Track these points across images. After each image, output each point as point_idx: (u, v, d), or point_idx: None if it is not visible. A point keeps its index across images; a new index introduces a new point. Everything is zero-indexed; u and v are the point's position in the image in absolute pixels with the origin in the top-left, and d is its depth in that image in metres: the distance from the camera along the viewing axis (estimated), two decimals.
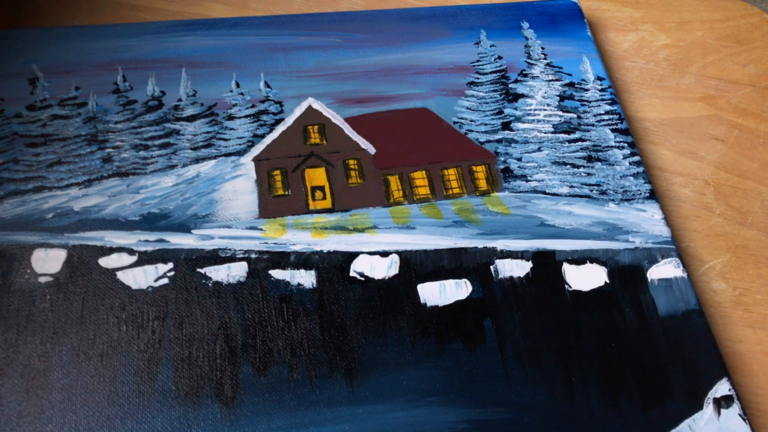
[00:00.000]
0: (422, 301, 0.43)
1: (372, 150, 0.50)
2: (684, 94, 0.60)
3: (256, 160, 0.49)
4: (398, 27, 0.57)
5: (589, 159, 0.51)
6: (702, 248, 0.50)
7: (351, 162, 0.49)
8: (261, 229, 0.45)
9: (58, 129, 0.48)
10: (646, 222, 0.48)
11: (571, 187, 0.50)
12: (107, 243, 0.43)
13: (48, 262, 0.42)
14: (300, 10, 0.61)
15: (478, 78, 0.55)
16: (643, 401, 0.41)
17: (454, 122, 0.52)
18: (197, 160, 0.48)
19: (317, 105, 0.52)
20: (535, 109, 0.54)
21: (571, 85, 0.56)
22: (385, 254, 0.45)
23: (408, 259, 0.45)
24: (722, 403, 0.41)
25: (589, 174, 0.51)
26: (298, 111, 0.51)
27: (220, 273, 0.43)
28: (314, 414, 0.39)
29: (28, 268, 0.42)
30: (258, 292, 0.43)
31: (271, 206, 0.47)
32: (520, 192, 0.50)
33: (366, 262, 0.45)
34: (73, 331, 0.40)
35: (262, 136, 0.50)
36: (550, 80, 0.56)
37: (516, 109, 0.54)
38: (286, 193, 0.47)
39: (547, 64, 0.57)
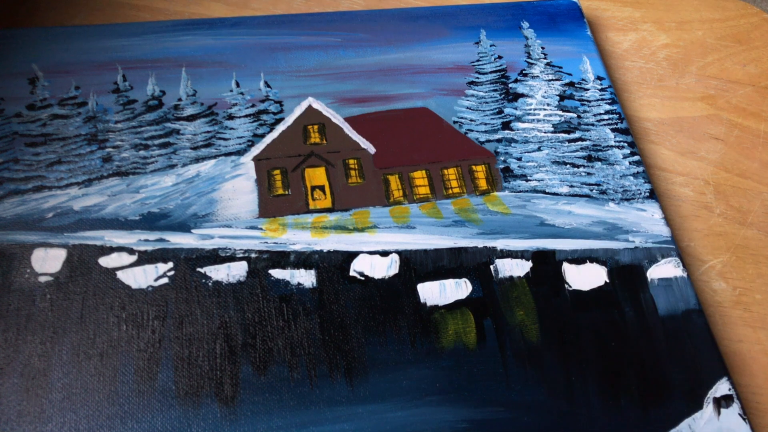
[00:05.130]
0: (422, 300, 0.43)
1: (372, 149, 0.50)
2: (684, 93, 0.60)
3: (256, 159, 0.49)
4: (398, 27, 0.57)
5: (589, 158, 0.51)
6: (702, 248, 0.50)
7: (351, 161, 0.49)
8: (261, 229, 0.45)
9: (58, 128, 0.48)
10: (646, 221, 0.48)
11: (571, 186, 0.50)
12: (107, 242, 0.43)
13: (48, 261, 0.42)
14: (300, 10, 0.61)
15: (478, 77, 0.55)
16: (642, 401, 0.41)
17: (454, 122, 0.52)
18: (197, 160, 0.48)
19: (317, 104, 0.52)
20: (535, 109, 0.54)
21: (571, 84, 0.56)
22: (385, 254, 0.45)
23: (408, 258, 0.45)
24: (722, 402, 0.41)
25: (589, 173, 0.51)
26: (298, 110, 0.51)
27: (220, 272, 0.43)
28: (314, 413, 0.39)
29: (28, 267, 0.42)
30: (258, 291, 0.43)
31: (271, 206, 0.47)
32: (520, 191, 0.50)
33: (366, 261, 0.45)
34: (73, 331, 0.40)
35: (262, 136, 0.50)
36: (550, 80, 0.56)
37: (516, 108, 0.54)
38: (286, 192, 0.47)
39: (547, 64, 0.57)
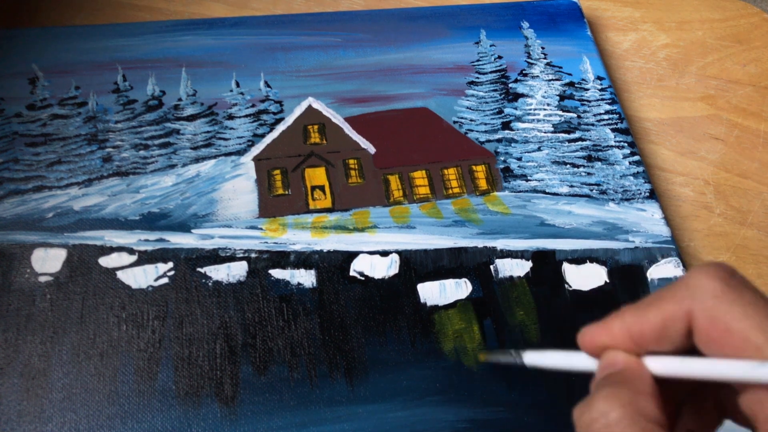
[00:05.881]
0: (422, 300, 0.43)
1: (372, 149, 0.50)
2: (684, 93, 0.60)
3: (256, 159, 0.49)
4: (398, 27, 0.57)
5: (589, 158, 0.51)
6: (702, 248, 0.50)
7: (351, 161, 0.49)
8: (261, 229, 0.45)
9: (58, 128, 0.48)
10: (646, 221, 0.48)
11: (571, 186, 0.50)
12: (107, 242, 0.43)
13: (48, 261, 0.42)
14: (300, 10, 0.61)
15: (478, 77, 0.55)
16: None
17: (454, 122, 0.52)
18: (197, 160, 0.48)
19: (317, 104, 0.52)
20: (535, 109, 0.54)
21: (571, 84, 0.56)
22: (385, 254, 0.45)
23: (408, 258, 0.45)
24: None
25: (589, 173, 0.51)
26: (298, 110, 0.51)
27: (220, 272, 0.43)
28: (314, 413, 0.39)
29: (28, 267, 0.42)
30: (258, 291, 0.43)
31: (271, 206, 0.47)
32: (520, 191, 0.50)
33: (366, 261, 0.45)
34: (73, 331, 0.40)
35: (262, 136, 0.50)
36: (550, 80, 0.56)
37: (516, 108, 0.54)
38: (286, 192, 0.47)
39: (547, 64, 0.57)
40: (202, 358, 0.40)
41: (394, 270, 0.45)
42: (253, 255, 0.44)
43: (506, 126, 0.53)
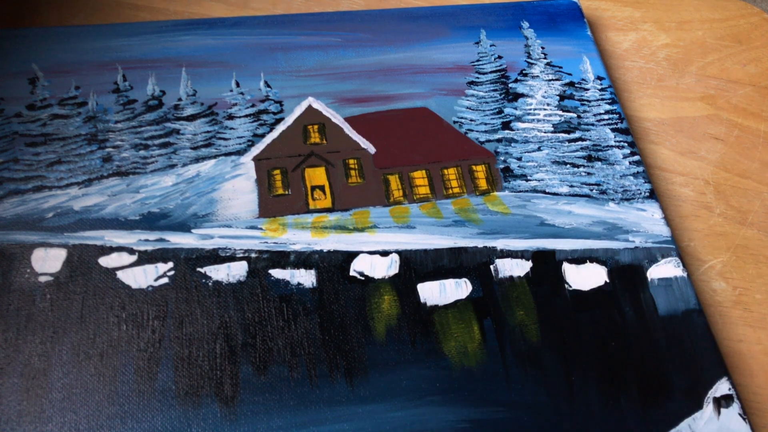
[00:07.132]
0: (422, 300, 0.43)
1: (372, 149, 0.50)
2: (684, 93, 0.60)
3: (256, 159, 0.49)
4: (398, 27, 0.57)
5: (589, 158, 0.51)
6: (702, 248, 0.50)
7: (351, 161, 0.49)
8: (261, 229, 0.45)
9: (58, 128, 0.48)
10: (646, 221, 0.48)
11: (571, 186, 0.50)
12: (107, 242, 0.43)
13: (48, 261, 0.42)
14: (300, 10, 0.61)
15: (478, 77, 0.55)
16: (643, 401, 0.41)
17: (454, 122, 0.52)
18: (197, 160, 0.48)
19: (317, 104, 0.52)
20: (535, 109, 0.54)
21: (571, 84, 0.56)
22: (385, 254, 0.45)
23: (408, 258, 0.45)
24: (722, 402, 0.41)
25: (589, 173, 0.51)
26: (298, 110, 0.51)
27: (220, 272, 0.43)
28: (314, 413, 0.39)
29: (28, 267, 0.42)
30: (258, 291, 0.43)
31: (271, 205, 0.47)
32: (520, 191, 0.50)
33: (366, 261, 0.45)
34: (73, 331, 0.40)
35: (262, 136, 0.50)
36: (550, 80, 0.56)
37: (516, 108, 0.54)
38: (286, 192, 0.47)
39: (547, 64, 0.57)
40: (202, 358, 0.40)
41: (394, 270, 0.45)
42: (253, 255, 0.44)
43: (506, 126, 0.53)
